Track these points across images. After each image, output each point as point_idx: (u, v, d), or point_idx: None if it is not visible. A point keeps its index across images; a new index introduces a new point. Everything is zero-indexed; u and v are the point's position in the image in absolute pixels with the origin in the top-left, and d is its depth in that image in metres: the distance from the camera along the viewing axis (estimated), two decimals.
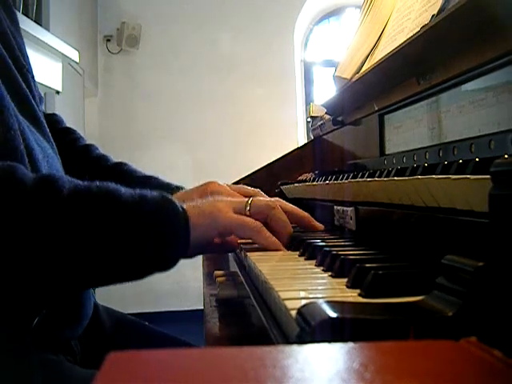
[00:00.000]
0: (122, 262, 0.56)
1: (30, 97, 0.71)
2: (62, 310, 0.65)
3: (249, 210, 0.64)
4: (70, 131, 0.93)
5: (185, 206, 0.60)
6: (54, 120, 0.89)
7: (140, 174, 0.89)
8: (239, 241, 0.71)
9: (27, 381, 0.57)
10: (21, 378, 0.56)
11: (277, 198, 0.70)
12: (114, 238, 0.54)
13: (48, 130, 0.74)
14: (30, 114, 0.69)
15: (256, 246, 0.66)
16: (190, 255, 0.64)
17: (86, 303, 0.70)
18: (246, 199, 0.65)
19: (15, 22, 0.77)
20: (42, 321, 0.61)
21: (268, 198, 0.70)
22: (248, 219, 0.63)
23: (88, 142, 0.95)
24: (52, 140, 0.74)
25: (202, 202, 0.63)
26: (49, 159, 0.68)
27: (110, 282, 0.59)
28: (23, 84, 0.70)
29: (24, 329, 0.60)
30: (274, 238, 0.63)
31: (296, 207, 0.70)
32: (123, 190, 0.57)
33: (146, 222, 0.56)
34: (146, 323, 0.89)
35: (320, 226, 0.72)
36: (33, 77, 0.75)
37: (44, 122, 0.73)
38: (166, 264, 0.58)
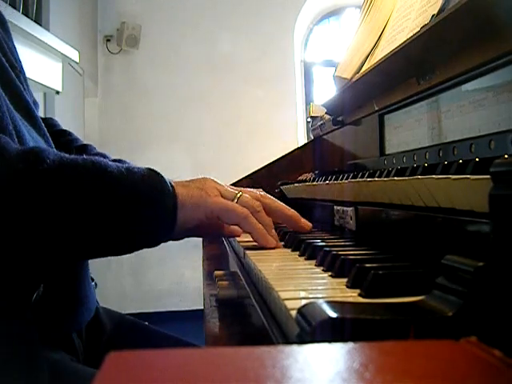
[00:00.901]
0: (105, 233, 0.55)
1: (24, 93, 0.70)
2: (59, 290, 0.64)
3: (236, 203, 0.63)
4: (66, 133, 0.93)
5: (173, 184, 0.59)
6: (49, 123, 0.89)
7: None
8: (238, 239, 0.71)
9: (34, 379, 0.57)
10: (28, 376, 0.56)
11: (265, 195, 0.69)
12: (98, 207, 0.53)
13: (44, 127, 0.73)
14: (23, 109, 0.69)
15: (256, 245, 0.66)
16: (177, 237, 0.63)
17: (84, 291, 0.69)
18: (236, 192, 0.64)
19: (5, 26, 0.77)
20: (41, 297, 0.61)
21: (254, 192, 0.68)
22: (236, 205, 0.62)
23: (86, 142, 0.95)
24: (48, 135, 0.74)
25: (192, 182, 0.62)
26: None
27: (96, 253, 0.59)
28: (16, 81, 0.70)
29: (23, 303, 0.59)
30: (260, 226, 0.63)
31: (283, 205, 0.69)
32: (110, 163, 0.57)
33: (132, 193, 0.55)
34: (146, 323, 0.89)
35: (308, 225, 0.71)
36: (25, 79, 0.75)
37: (39, 119, 0.73)
38: (153, 239, 0.58)
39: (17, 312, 0.59)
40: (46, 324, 0.62)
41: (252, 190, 0.68)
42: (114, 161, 0.89)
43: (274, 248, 0.64)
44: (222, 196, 0.62)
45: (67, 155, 0.55)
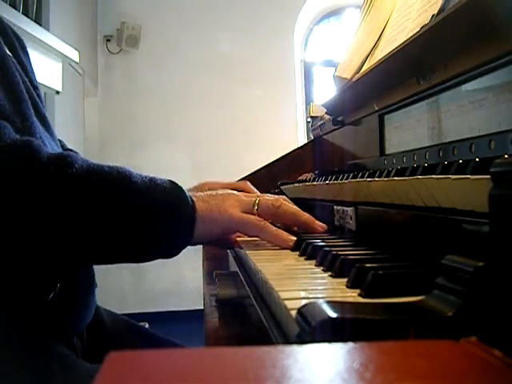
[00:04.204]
0: (124, 239, 0.57)
1: (45, 113, 0.75)
2: (66, 293, 0.66)
3: (257, 210, 0.65)
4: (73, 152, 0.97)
5: (194, 198, 0.61)
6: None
7: None
8: (239, 239, 0.71)
9: (43, 372, 0.58)
10: (37, 370, 0.57)
11: (283, 197, 0.70)
12: (120, 214, 0.55)
13: (59, 144, 0.79)
14: (45, 123, 0.73)
15: (256, 244, 0.66)
16: (193, 244, 0.65)
17: (86, 297, 0.70)
18: (254, 199, 0.66)
19: (23, 48, 0.82)
20: (54, 301, 0.62)
21: (274, 197, 0.69)
22: (252, 217, 0.63)
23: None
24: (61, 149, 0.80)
25: (212, 197, 0.63)
26: None
27: (113, 259, 0.60)
28: (39, 101, 0.74)
29: (40, 302, 0.61)
30: (280, 232, 0.64)
31: (298, 209, 0.70)
32: (134, 173, 0.59)
33: (152, 203, 0.57)
34: (147, 325, 0.89)
35: (322, 226, 0.71)
36: (42, 99, 0.81)
37: (57, 137, 0.79)
38: (169, 249, 0.59)
39: (33, 310, 0.60)
40: (51, 325, 0.63)
41: (269, 195, 0.70)
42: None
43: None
44: (241, 209, 0.64)
45: (95, 162, 0.58)
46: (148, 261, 0.60)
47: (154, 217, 0.56)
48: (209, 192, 0.65)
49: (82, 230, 0.54)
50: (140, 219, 0.56)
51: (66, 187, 0.54)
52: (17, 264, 0.58)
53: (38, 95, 0.76)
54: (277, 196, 0.70)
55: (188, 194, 0.60)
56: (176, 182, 0.61)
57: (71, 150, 0.96)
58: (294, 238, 0.65)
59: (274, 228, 0.64)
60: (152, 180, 0.59)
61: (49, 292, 0.62)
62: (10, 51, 0.74)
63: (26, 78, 0.72)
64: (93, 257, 0.59)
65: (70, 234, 0.54)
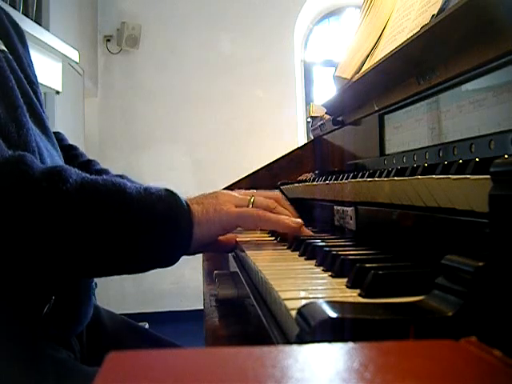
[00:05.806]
0: (123, 251, 0.56)
1: (41, 110, 0.74)
2: (64, 299, 0.65)
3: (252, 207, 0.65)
4: (72, 147, 0.96)
5: (189, 202, 0.60)
6: (58, 138, 0.92)
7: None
8: (239, 239, 0.71)
9: (38, 375, 0.57)
10: (33, 377, 0.57)
11: (277, 193, 0.70)
12: (116, 227, 0.55)
13: (55, 140, 0.77)
14: (40, 123, 0.72)
15: (256, 244, 0.66)
16: (194, 252, 0.65)
17: (84, 302, 0.70)
18: (248, 197, 0.66)
19: (23, 40, 0.81)
20: (51, 310, 0.62)
21: (270, 193, 0.70)
22: (248, 209, 0.63)
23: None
24: (59, 150, 0.77)
25: (205, 198, 0.63)
26: (55, 163, 0.70)
27: (112, 271, 0.60)
28: (34, 97, 0.73)
29: (35, 316, 0.61)
30: (281, 217, 0.64)
31: (292, 210, 0.69)
32: (129, 184, 0.58)
33: (149, 213, 0.56)
34: (146, 325, 0.89)
35: (309, 233, 0.70)
36: (40, 93, 0.79)
37: (52, 132, 0.77)
38: (169, 257, 0.59)
39: (29, 323, 0.60)
40: (48, 329, 0.62)
41: (266, 191, 0.69)
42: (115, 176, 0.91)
43: (300, 228, 0.65)
44: (236, 205, 0.64)
45: (88, 175, 0.57)
46: (148, 270, 0.59)
47: (151, 225, 0.56)
48: (202, 194, 0.65)
49: (78, 244, 0.54)
50: (137, 229, 0.55)
51: (60, 203, 0.53)
52: (11, 278, 0.57)
53: (35, 91, 0.75)
54: (272, 193, 0.70)
55: (183, 199, 0.60)
56: (171, 189, 0.61)
57: (71, 146, 0.96)
58: (298, 220, 0.65)
59: (274, 215, 0.64)
60: (147, 189, 0.58)
61: (43, 304, 0.62)
62: (5, 44, 0.72)
63: (21, 75, 0.71)
64: (91, 270, 0.59)
65: (66, 248, 0.54)
